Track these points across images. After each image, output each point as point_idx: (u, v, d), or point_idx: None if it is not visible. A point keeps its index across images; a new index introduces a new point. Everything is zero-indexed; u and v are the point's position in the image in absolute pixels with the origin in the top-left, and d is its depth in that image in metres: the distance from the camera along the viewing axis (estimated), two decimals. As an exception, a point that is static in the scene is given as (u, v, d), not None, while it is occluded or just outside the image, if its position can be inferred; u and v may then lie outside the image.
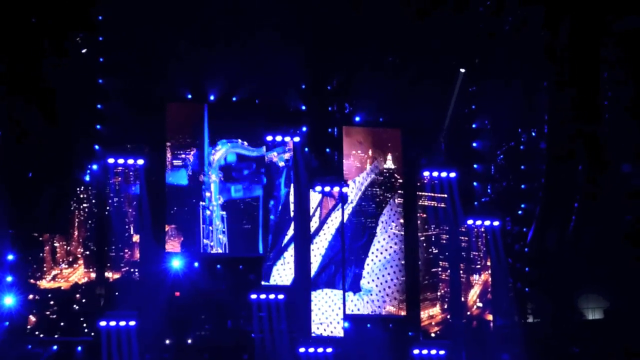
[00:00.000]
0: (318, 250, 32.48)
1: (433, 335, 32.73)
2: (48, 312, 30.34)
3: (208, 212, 31.58)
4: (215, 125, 31.99)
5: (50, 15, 30.14)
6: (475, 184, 34.20)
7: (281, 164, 32.58)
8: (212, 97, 32.03)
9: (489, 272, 33.11)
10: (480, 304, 33.19)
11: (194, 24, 31.04)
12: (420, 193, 33.40)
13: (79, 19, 30.59)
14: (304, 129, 32.68)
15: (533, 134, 33.85)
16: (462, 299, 33.00)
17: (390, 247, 33.03)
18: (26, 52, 29.78)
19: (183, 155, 31.68)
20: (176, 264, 30.93)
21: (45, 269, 30.67)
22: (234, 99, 32.23)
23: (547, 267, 33.15)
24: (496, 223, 32.85)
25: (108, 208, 30.93)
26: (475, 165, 34.19)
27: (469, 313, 33.09)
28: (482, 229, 32.97)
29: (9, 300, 29.21)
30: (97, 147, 31.08)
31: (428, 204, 33.32)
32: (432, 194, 33.17)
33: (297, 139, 32.33)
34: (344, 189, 32.57)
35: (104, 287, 30.86)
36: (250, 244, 31.95)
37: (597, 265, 32.31)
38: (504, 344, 32.17)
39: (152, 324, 30.03)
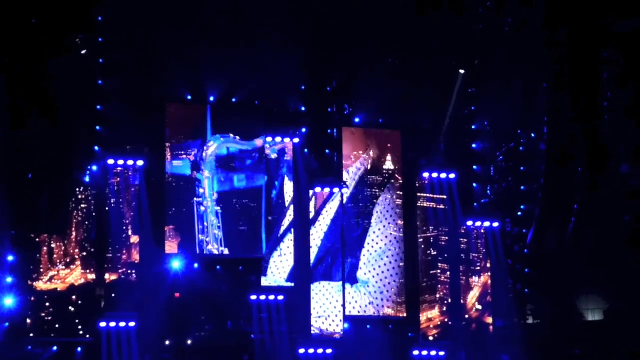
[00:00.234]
0: (314, 241, 32.51)
1: (431, 338, 32.68)
2: (44, 314, 30.27)
3: (202, 208, 31.54)
4: (215, 126, 31.95)
5: (50, 16, 30.08)
6: (474, 185, 34.21)
7: (273, 155, 32.49)
8: (212, 98, 32.01)
9: (489, 274, 33.11)
10: (480, 307, 33.18)
11: (194, 24, 30.94)
12: (419, 194, 33.41)
13: (79, 19, 30.50)
14: (304, 130, 32.67)
15: (533, 135, 33.87)
16: (462, 301, 32.98)
17: (386, 237, 33.01)
18: (26, 53, 29.70)
19: (184, 156, 31.67)
20: (176, 265, 30.90)
21: (42, 270, 30.60)
22: (234, 99, 32.22)
23: (546, 268, 33.16)
24: (496, 224, 32.88)
25: (107, 209, 30.86)
26: (474, 167, 34.21)
27: (467, 316, 33.05)
28: (482, 230, 32.97)
29: (9, 301, 29.16)
30: (96, 148, 31.02)
31: (427, 205, 33.33)
32: (432, 195, 33.17)
33: (296, 140, 32.31)
34: (344, 190, 32.59)
35: (104, 288, 30.79)
36: (248, 237, 31.94)
37: (596, 266, 32.33)
38: (504, 345, 32.17)
39: (152, 325, 29.96)
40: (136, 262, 30.88)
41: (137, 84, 31.01)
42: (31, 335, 29.82)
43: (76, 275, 30.83)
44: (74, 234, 31.01)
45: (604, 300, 33.01)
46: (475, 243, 33.10)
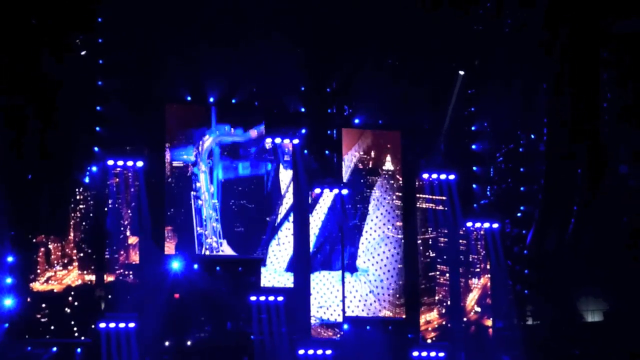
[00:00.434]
0: (312, 229, 32.51)
1: (429, 341, 32.66)
2: (39, 315, 30.23)
3: (200, 202, 31.52)
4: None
5: (50, 16, 30.07)
6: (474, 186, 34.20)
7: (268, 144, 32.44)
8: (211, 99, 32.02)
9: (488, 276, 33.10)
10: (479, 309, 33.15)
11: (194, 24, 30.93)
12: (419, 195, 33.42)
13: (79, 20, 30.52)
14: (304, 130, 32.65)
15: (532, 136, 33.90)
16: (461, 303, 32.99)
17: (384, 224, 32.98)
18: (26, 53, 29.68)
19: (185, 156, 31.66)
20: (175, 265, 30.87)
21: (39, 271, 30.56)
22: (234, 100, 32.22)
23: (546, 269, 33.15)
24: (495, 225, 32.84)
25: (107, 210, 30.83)
26: (474, 167, 34.19)
27: (465, 319, 33.02)
28: (482, 232, 32.95)
29: (9, 302, 29.11)
30: (96, 148, 30.99)
31: (427, 206, 33.32)
32: (431, 196, 33.17)
33: (296, 140, 32.26)
34: (344, 191, 32.60)
35: (104, 289, 30.76)
36: (247, 228, 32.02)
37: (596, 267, 32.35)
38: (504, 346, 32.15)
39: (151, 326, 29.93)
40: (135, 262, 30.85)
41: (137, 84, 30.98)
42: (26, 337, 29.78)
43: (73, 276, 30.80)
44: (71, 234, 30.98)
45: (604, 301, 33.00)
46: (475, 244, 33.08)
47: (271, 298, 31.07)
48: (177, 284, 30.80)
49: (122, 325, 29.32)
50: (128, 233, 30.96)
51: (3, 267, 29.08)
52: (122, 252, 30.88)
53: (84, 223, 31.16)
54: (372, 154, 33.34)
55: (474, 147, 34.21)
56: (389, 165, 33.33)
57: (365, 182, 33.21)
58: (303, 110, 32.93)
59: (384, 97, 32.91)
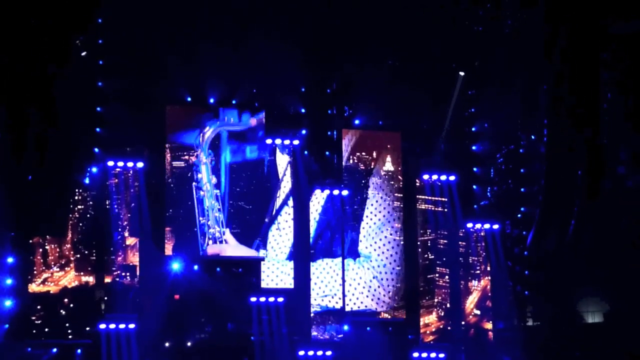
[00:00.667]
0: (312, 214, 32.48)
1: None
2: (34, 317, 30.20)
3: (202, 193, 31.52)
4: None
5: (50, 17, 30.07)
6: (474, 187, 34.19)
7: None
8: (212, 100, 32.03)
9: (488, 278, 33.08)
10: (478, 312, 33.13)
11: (193, 24, 30.98)
12: (418, 196, 33.41)
13: (79, 20, 30.53)
14: (304, 131, 32.65)
15: (533, 137, 33.89)
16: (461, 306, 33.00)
17: (384, 208, 33.00)
18: (26, 54, 29.68)
19: (186, 157, 31.65)
20: (175, 266, 30.86)
21: (35, 272, 30.55)
22: (234, 101, 32.22)
23: (546, 270, 33.12)
24: (496, 226, 32.76)
25: (107, 210, 30.82)
26: (474, 168, 34.18)
27: (463, 322, 32.98)
28: (482, 233, 32.94)
29: (9, 303, 29.09)
30: (96, 149, 30.99)
31: (426, 208, 33.32)
32: (432, 198, 33.15)
33: (296, 141, 32.25)
34: (344, 192, 32.59)
35: (103, 291, 30.74)
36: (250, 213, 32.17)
37: (596, 268, 32.34)
38: (504, 347, 32.14)
39: (151, 327, 29.94)
40: (135, 263, 30.83)
41: (137, 85, 30.98)
42: (26, 338, 29.77)
43: (70, 278, 30.80)
44: (69, 235, 30.98)
45: (604, 302, 32.99)
46: (475, 246, 33.06)
47: (271, 299, 31.03)
48: (177, 285, 30.79)
49: (122, 326, 29.29)
50: (127, 234, 30.94)
51: (3, 268, 29.08)
52: (123, 253, 30.87)
53: (81, 224, 31.18)
54: (373, 154, 33.36)
55: (474, 148, 34.19)
56: (389, 166, 33.32)
57: (362, 167, 33.21)
58: (303, 111, 32.93)
59: (384, 98, 32.88)
